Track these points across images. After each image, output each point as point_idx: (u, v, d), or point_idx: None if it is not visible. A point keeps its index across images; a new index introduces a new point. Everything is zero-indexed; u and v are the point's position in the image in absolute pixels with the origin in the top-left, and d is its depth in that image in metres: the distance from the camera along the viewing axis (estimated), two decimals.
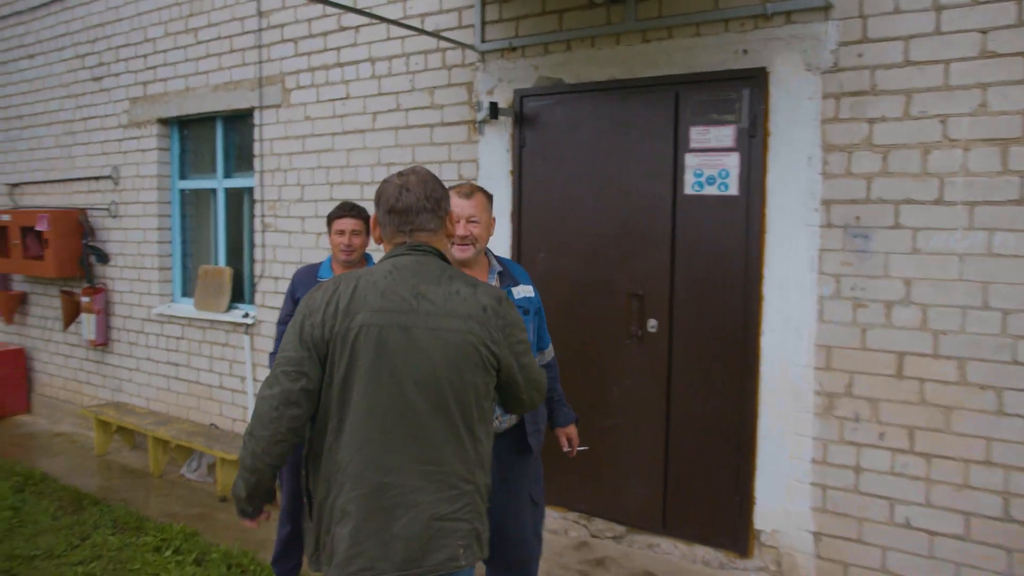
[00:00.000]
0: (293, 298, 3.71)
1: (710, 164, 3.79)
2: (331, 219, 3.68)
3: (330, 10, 5.14)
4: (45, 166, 7.39)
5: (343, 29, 5.12)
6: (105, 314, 6.88)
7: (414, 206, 2.09)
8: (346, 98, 5.14)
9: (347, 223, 3.63)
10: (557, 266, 4.29)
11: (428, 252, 2.11)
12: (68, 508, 5.21)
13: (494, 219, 2.99)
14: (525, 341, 2.17)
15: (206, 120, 6.27)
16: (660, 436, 4.02)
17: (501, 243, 4.47)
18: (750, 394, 3.75)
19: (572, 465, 4.30)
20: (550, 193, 4.30)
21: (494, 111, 4.30)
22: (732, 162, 3.74)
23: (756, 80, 3.64)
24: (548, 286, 4.27)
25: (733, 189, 3.75)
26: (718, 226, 3.80)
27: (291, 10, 5.39)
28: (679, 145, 3.88)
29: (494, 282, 2.92)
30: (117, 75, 6.66)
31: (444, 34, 4.54)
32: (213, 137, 6.27)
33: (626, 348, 4.08)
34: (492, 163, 4.50)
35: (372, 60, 4.99)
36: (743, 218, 3.72)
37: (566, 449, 3.24)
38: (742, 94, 3.69)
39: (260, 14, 5.56)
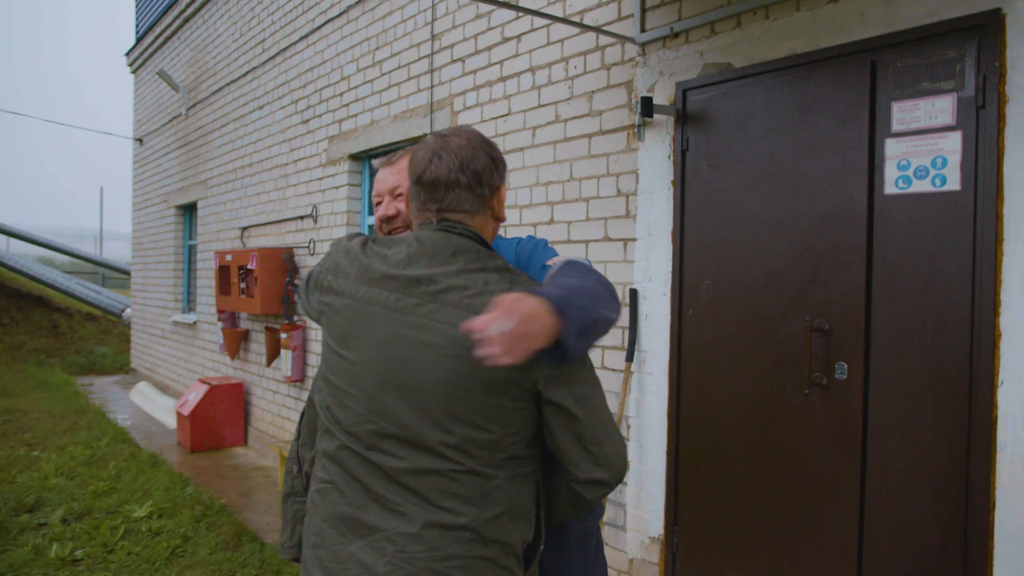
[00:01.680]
0: None
1: (920, 150, 2.78)
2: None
3: (494, 22, 4.76)
4: (267, 208, 7.75)
5: (505, 40, 4.69)
6: (302, 351, 6.95)
7: (444, 179, 1.62)
8: (507, 114, 4.68)
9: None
10: (724, 296, 3.42)
11: (466, 236, 1.62)
12: (229, 543, 5.12)
13: None
14: (590, 362, 1.62)
15: (390, 153, 6.14)
16: (852, 522, 2.96)
17: (658, 268, 3.69)
18: (981, 472, 2.61)
19: (737, 551, 3.35)
20: (716, 205, 3.47)
21: (647, 108, 3.58)
22: (952, 145, 2.70)
23: (986, 29, 2.61)
24: (713, 322, 3.42)
25: (953, 182, 2.70)
26: (933, 235, 2.75)
27: (460, 28, 5.08)
28: (877, 129, 2.91)
29: None
30: (319, 116, 6.81)
31: (604, 28, 3.92)
32: None
33: (806, 401, 3.09)
34: (652, 173, 3.76)
35: (532, 70, 4.50)
36: (968, 222, 2.65)
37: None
38: (964, 51, 2.67)
39: (433, 37, 5.33)
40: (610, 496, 3.94)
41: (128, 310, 13.06)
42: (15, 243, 23.67)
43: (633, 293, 3.82)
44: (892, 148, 2.85)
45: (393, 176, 2.07)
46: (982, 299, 2.62)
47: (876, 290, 2.91)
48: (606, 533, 3.99)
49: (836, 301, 3.01)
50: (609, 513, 3.98)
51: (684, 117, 3.59)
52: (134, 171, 12.43)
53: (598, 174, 4.07)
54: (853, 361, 2.96)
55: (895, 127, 2.85)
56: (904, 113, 2.82)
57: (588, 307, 1.51)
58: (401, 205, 2.04)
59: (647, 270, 3.77)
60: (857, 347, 2.94)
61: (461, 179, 1.61)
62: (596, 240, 4.05)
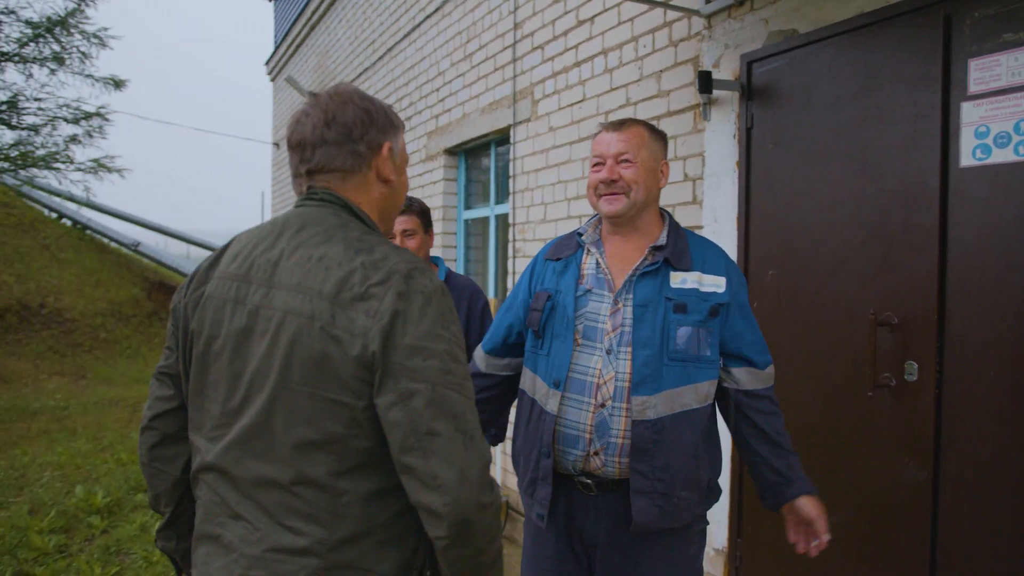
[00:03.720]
0: None
1: (1001, 113, 2.38)
2: None
3: (570, 5, 4.59)
4: None
5: (580, 23, 4.51)
6: None
7: (309, 137, 1.45)
8: (582, 100, 4.49)
9: (397, 222, 2.87)
10: (788, 286, 3.10)
11: (324, 201, 1.45)
12: None
13: (667, 164, 2.13)
14: (442, 356, 1.29)
15: (482, 147, 6.10)
16: (922, 543, 2.58)
17: None
18: None
19: (800, 568, 3.03)
20: (781, 187, 3.14)
21: (706, 83, 3.30)
22: None
23: None
24: (778, 316, 3.12)
25: None
26: (1016, 211, 2.35)
27: (539, 15, 4.94)
28: (951, 92, 2.51)
29: (647, 257, 2.03)
30: (420, 112, 6.86)
31: (670, 2, 3.67)
32: (488, 163, 6.06)
33: (871, 404, 2.73)
34: (717, 155, 3.47)
35: (604, 52, 4.29)
36: None
37: (812, 540, 2.03)
38: None
39: (515, 26, 5.21)
40: None
41: None
42: (194, 249, 25.72)
43: None
44: (969, 113, 2.46)
45: (621, 142, 2.04)
46: None
47: (951, 278, 2.52)
48: None
49: (906, 291, 2.64)
50: None
51: (749, 92, 3.29)
52: (273, 174, 13.11)
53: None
54: (924, 360, 2.58)
55: (972, 88, 2.45)
56: (982, 71, 2.42)
57: None
58: (626, 171, 2.02)
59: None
60: (929, 343, 2.56)
61: (327, 134, 1.43)
62: None
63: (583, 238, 2.13)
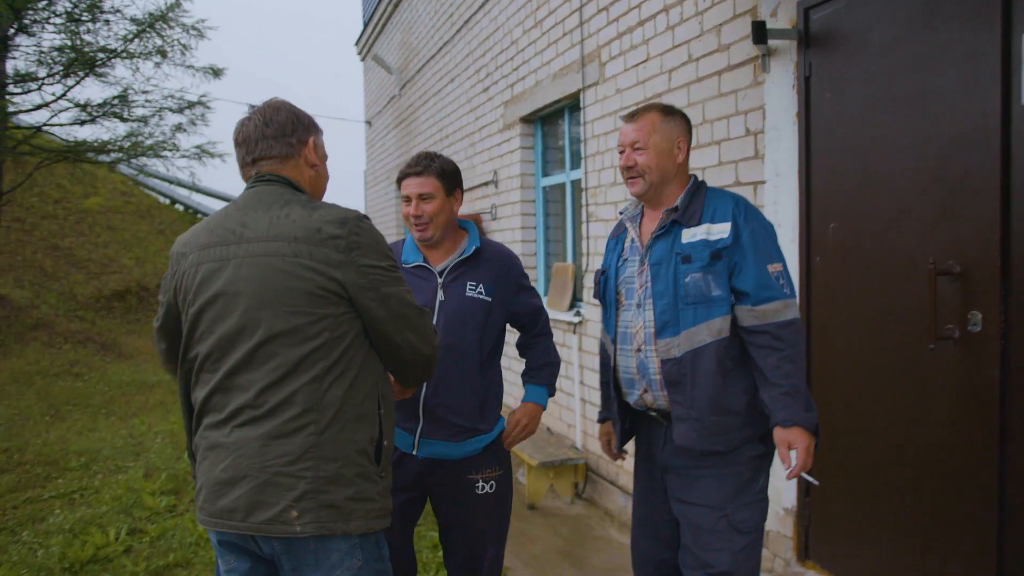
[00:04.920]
0: None
1: None
2: (398, 180, 2.63)
3: None
4: None
5: None
6: None
7: (252, 135, 1.92)
8: (646, 60, 4.43)
9: (412, 184, 2.52)
10: (848, 240, 3.00)
11: (271, 180, 1.88)
12: None
13: (683, 140, 2.36)
14: (390, 269, 1.83)
15: (556, 113, 6.10)
16: (989, 500, 2.49)
17: (786, 212, 3.33)
18: None
19: (867, 528, 2.96)
20: (840, 136, 3.04)
21: (760, 33, 3.21)
22: None
23: None
24: (839, 269, 3.05)
25: None
26: None
27: None
28: (1012, 27, 2.37)
29: (661, 221, 2.32)
30: (496, 82, 6.91)
31: None
32: (563, 129, 6.06)
33: (932, 357, 2.63)
34: (778, 107, 3.37)
35: (666, 9, 4.21)
36: None
37: (786, 467, 2.18)
38: None
39: None
40: None
41: None
42: None
43: None
44: None
45: (634, 132, 2.32)
46: None
47: (1015, 223, 2.39)
48: None
49: (968, 239, 2.52)
50: None
51: (807, 40, 3.18)
52: (366, 152, 13.47)
53: (727, 114, 3.73)
54: (989, 309, 2.46)
55: None
56: None
57: (806, 392, 2.20)
58: (640, 157, 2.31)
59: (775, 215, 3.40)
60: (993, 292, 2.45)
61: (267, 131, 1.88)
62: (727, 185, 3.73)
63: (623, 216, 2.50)
